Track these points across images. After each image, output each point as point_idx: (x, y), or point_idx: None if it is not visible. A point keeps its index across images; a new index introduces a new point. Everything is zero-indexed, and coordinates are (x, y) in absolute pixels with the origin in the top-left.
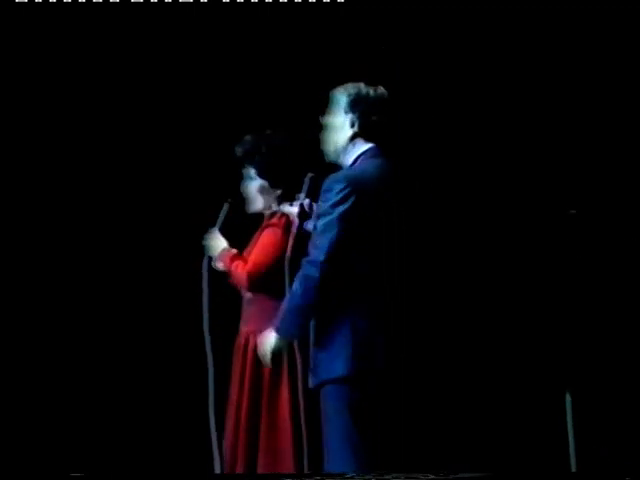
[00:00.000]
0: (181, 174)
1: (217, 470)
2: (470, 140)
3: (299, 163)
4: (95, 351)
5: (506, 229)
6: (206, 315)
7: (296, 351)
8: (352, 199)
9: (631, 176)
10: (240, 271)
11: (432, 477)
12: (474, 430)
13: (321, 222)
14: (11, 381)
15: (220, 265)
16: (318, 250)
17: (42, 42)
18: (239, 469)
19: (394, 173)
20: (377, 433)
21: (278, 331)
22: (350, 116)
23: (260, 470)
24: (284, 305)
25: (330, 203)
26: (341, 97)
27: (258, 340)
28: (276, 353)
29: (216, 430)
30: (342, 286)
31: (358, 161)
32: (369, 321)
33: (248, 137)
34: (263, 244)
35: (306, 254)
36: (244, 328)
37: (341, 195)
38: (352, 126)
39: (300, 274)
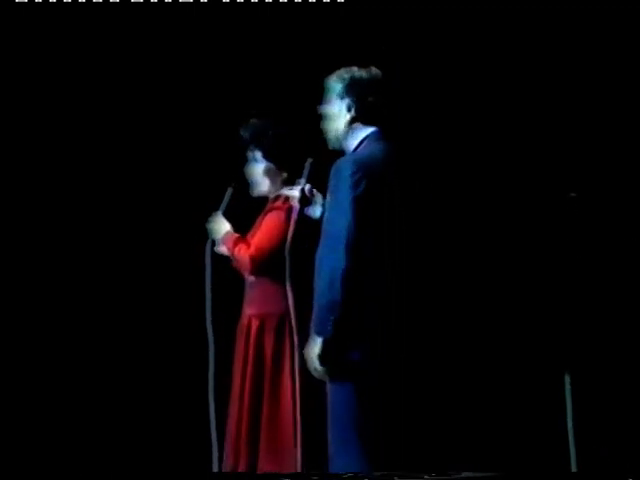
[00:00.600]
0: (183, 160)
1: (215, 463)
2: (470, 123)
3: (305, 147)
4: (94, 340)
5: (506, 212)
6: (208, 299)
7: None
8: (364, 183)
9: (630, 159)
10: (243, 254)
11: (432, 477)
12: (473, 429)
13: (333, 208)
14: (11, 380)
15: (223, 249)
16: (336, 239)
17: (42, 42)
18: (242, 459)
19: (397, 156)
20: (382, 425)
21: (318, 333)
22: (346, 101)
23: (262, 459)
24: (315, 303)
25: (342, 188)
26: (335, 84)
27: (305, 355)
28: (325, 355)
29: (215, 420)
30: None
31: (362, 145)
32: (372, 307)
33: (254, 120)
34: (267, 227)
35: (318, 243)
36: (247, 311)
37: (353, 179)
38: (349, 111)
39: (323, 267)
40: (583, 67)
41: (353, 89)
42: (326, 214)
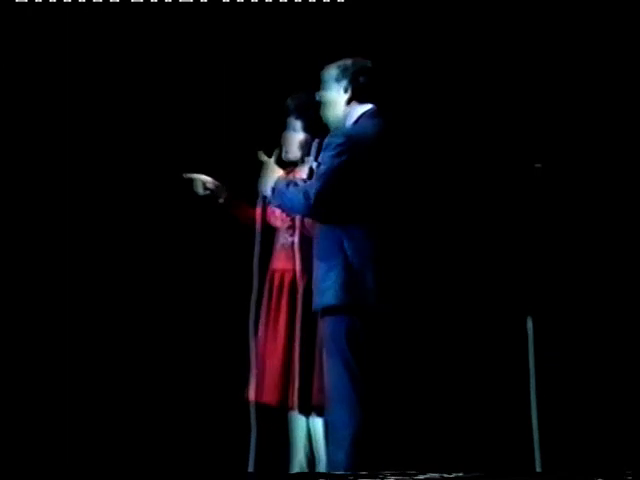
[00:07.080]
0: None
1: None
2: (445, 98)
3: None
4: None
5: (478, 183)
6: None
7: (298, 278)
8: (346, 155)
9: (595, 128)
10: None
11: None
12: (443, 430)
13: (320, 168)
14: (11, 380)
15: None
16: (314, 188)
17: (42, 42)
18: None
19: (390, 131)
20: (375, 370)
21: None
22: (343, 83)
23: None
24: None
25: (328, 155)
26: (332, 70)
27: None
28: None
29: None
30: (337, 222)
31: (360, 121)
32: (362, 256)
33: (301, 94)
34: None
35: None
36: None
37: (337, 150)
38: (345, 91)
39: (302, 192)
40: (552, 39)
41: (348, 71)
42: (318, 167)
